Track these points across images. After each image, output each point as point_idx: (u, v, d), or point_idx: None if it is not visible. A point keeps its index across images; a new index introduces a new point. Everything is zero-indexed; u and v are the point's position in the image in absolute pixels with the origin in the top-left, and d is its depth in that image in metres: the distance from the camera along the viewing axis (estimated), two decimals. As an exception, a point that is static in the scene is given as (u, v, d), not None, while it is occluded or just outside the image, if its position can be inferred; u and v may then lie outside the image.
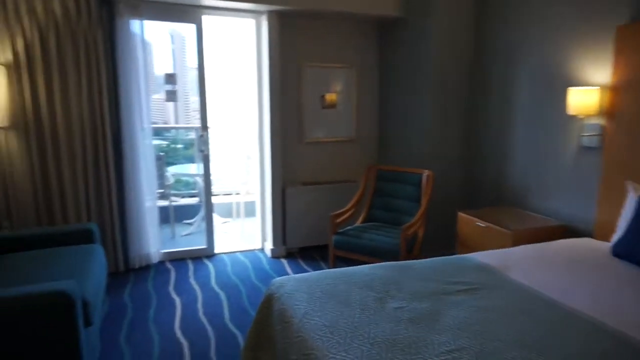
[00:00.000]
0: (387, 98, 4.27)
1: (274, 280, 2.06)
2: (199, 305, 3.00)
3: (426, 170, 3.47)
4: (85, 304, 2.10)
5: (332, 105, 4.20)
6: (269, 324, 1.95)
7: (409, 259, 2.88)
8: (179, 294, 3.17)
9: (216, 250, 4.02)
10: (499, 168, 3.46)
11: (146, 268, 3.62)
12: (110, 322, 2.76)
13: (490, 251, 2.45)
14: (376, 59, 4.32)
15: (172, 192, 4.77)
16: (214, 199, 4.62)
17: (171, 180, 4.79)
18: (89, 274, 2.34)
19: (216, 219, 4.90)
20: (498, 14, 3.42)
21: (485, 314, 1.70)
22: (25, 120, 3.14)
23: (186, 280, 3.41)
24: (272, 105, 3.81)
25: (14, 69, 3.07)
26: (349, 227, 3.46)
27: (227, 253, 4.03)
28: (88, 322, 2.12)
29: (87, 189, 3.36)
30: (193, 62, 3.78)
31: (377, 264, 2.25)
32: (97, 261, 2.59)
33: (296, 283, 1.97)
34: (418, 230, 3.29)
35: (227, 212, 5.24)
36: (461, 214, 3.15)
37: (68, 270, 2.31)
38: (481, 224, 2.93)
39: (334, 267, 3.33)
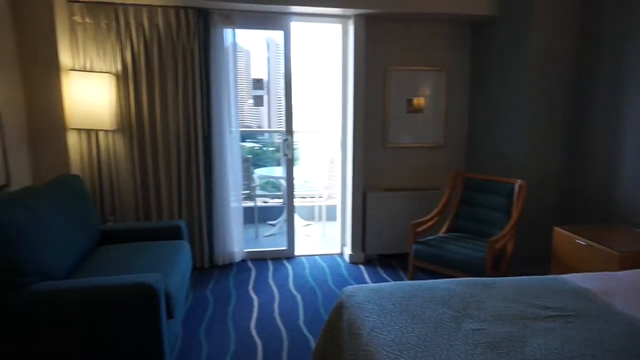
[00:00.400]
0: (479, 103, 4.02)
1: (344, 288, 2.02)
2: (275, 306, 3.05)
3: (519, 180, 3.20)
4: (168, 297, 2.22)
5: (419, 110, 4.05)
6: (338, 333, 1.90)
7: (494, 276, 2.67)
8: (257, 293, 3.25)
9: (296, 253, 4.07)
10: (605, 180, 3.08)
11: (229, 266, 3.77)
12: (192, 315, 2.91)
13: (590, 274, 2.18)
14: (468, 62, 4.09)
15: (258, 193, 4.93)
16: (297, 202, 4.69)
17: (257, 182, 4.96)
18: (174, 269, 2.48)
19: (298, 221, 4.99)
20: (608, 13, 3.05)
21: (579, 347, 1.50)
22: (129, 124, 3.44)
23: (265, 280, 3.49)
24: (356, 109, 3.77)
25: (122, 78, 3.38)
26: (430, 237, 3.30)
27: (307, 256, 4.07)
28: (170, 315, 2.25)
29: (179, 188, 3.59)
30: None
31: (457, 279, 2.10)
32: (183, 257, 2.74)
33: (368, 293, 1.90)
34: (507, 245, 3.04)
35: (310, 215, 5.31)
36: (558, 230, 2.85)
37: (156, 264, 2.47)
38: (582, 241, 2.62)
39: (413, 278, 3.20)
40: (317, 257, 4.05)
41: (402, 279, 3.50)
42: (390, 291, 1.92)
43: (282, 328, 2.76)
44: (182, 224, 3.07)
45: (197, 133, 3.55)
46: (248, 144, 5.88)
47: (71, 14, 3.21)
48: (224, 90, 3.58)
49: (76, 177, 2.89)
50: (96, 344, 2.03)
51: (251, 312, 2.96)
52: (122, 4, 3.26)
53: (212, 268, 3.72)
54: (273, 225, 4.99)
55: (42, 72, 3.02)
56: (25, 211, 2.15)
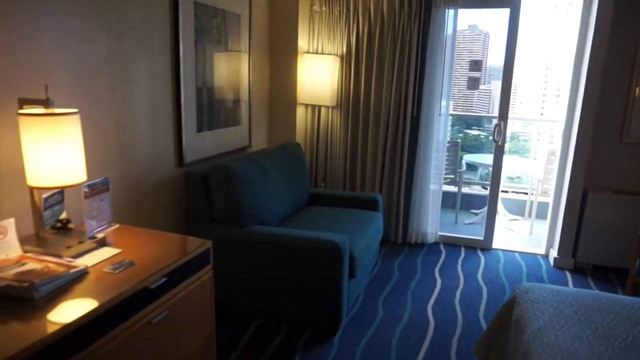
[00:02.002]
0: None
1: (521, 284, 1.88)
2: (458, 292, 3.01)
3: None
4: (352, 259, 2.47)
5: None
6: (506, 327, 1.80)
7: None
8: (442, 276, 3.25)
9: (494, 245, 3.85)
10: None
11: (420, 245, 3.85)
12: (376, 282, 3.12)
13: None
14: None
15: (463, 179, 4.80)
16: (507, 195, 4.38)
17: (464, 168, 4.82)
18: (362, 235, 2.72)
19: (505, 214, 4.66)
20: None
21: None
22: (347, 101, 3.82)
23: (453, 266, 3.45)
24: (588, 95, 3.27)
25: (345, 59, 3.75)
26: (665, 256, 2.68)
27: (504, 250, 3.81)
28: (352, 274, 2.50)
29: (383, 163, 3.81)
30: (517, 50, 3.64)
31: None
32: (374, 227, 2.96)
33: (545, 293, 1.73)
34: None
35: (519, 210, 4.89)
36: None
37: (348, 228, 2.74)
38: None
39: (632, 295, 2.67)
40: (516, 253, 3.75)
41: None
42: (575, 297, 1.70)
43: (459, 314, 2.72)
44: (379, 197, 3.28)
45: (407, 113, 3.68)
46: (462, 129, 5.72)
47: (311, 4, 3.71)
48: (437, 72, 3.59)
49: (297, 144, 3.40)
50: (292, 279, 2.44)
51: (432, 292, 3.00)
52: (354, -8, 3.60)
53: (404, 244, 3.86)
54: (476, 214, 4.80)
55: (284, 55, 3.63)
56: (255, 167, 2.69)
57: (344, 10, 3.66)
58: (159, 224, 2.50)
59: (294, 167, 3.16)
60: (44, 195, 1.60)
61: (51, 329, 1.14)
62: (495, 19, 5.26)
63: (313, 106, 3.83)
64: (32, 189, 1.58)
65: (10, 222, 1.51)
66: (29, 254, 1.49)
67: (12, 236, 1.50)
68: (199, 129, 2.76)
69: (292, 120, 3.73)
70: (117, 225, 1.87)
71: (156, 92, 2.40)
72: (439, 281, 3.17)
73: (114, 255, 1.58)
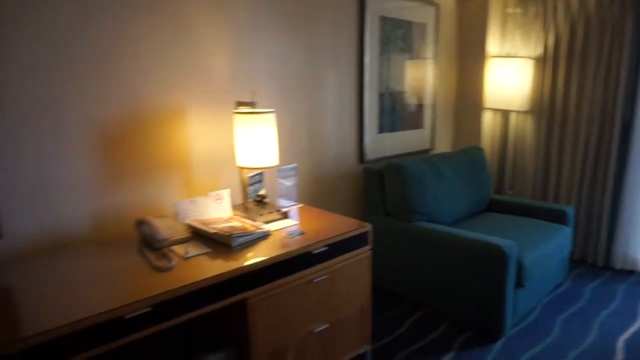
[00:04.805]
0: None
1: None
2: (665, 330, 2.52)
3: None
4: (520, 267, 2.37)
5: None
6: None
7: None
8: (648, 309, 2.76)
9: None
10: None
11: (628, 273, 3.29)
12: (558, 301, 2.85)
13: None
14: None
15: None
16: None
17: None
18: (538, 246, 2.56)
19: None
20: None
21: None
22: (540, 106, 3.56)
23: (668, 300, 2.87)
24: None
25: (540, 62, 3.52)
26: None
27: None
28: (519, 283, 2.39)
29: (582, 173, 3.42)
30: None
31: None
32: (556, 240, 2.73)
33: None
34: None
35: None
36: None
37: (522, 236, 2.62)
38: None
39: None
40: None
41: None
42: None
43: (659, 354, 2.29)
44: (569, 210, 2.99)
45: (614, 119, 3.23)
46: None
47: (504, 6, 3.61)
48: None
49: (479, 148, 3.36)
50: (455, 278, 2.49)
51: (628, 325, 2.58)
52: (553, -11, 3.37)
53: (605, 268, 3.37)
54: None
55: (471, 59, 3.63)
56: (429, 168, 2.82)
57: (541, 9, 3.44)
58: (336, 211, 2.87)
59: (473, 171, 3.14)
60: (249, 175, 2.10)
61: (240, 265, 1.55)
62: None
63: (502, 111, 3.71)
64: (240, 169, 2.09)
65: (226, 192, 2.04)
66: (235, 216, 1.99)
67: (226, 202, 2.03)
68: (380, 131, 3.04)
69: (478, 125, 3.69)
70: (300, 205, 2.28)
71: (342, 97, 2.78)
72: (640, 314, 2.70)
73: (291, 226, 1.97)
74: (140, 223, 1.82)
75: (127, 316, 1.31)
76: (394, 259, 2.76)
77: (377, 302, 2.81)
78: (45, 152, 1.69)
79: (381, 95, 2.99)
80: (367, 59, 2.83)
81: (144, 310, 1.34)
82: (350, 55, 2.78)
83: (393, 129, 3.15)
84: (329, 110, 2.71)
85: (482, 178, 3.20)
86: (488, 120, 3.75)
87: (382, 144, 3.08)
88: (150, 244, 1.75)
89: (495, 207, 3.27)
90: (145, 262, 1.60)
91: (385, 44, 2.95)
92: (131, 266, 1.57)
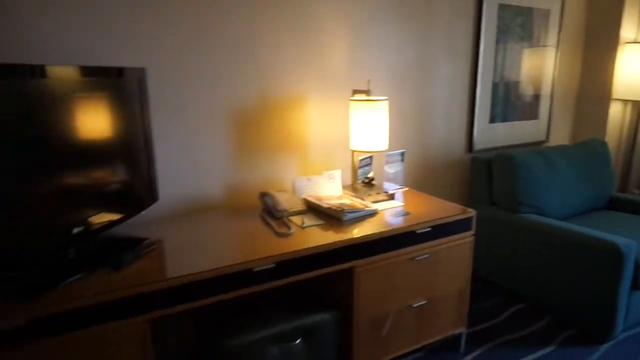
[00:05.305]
0: None
1: None
2: None
3: None
4: (638, 267, 2.24)
5: None
6: None
7: None
8: None
9: None
10: None
11: None
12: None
13: None
14: None
15: None
16: None
17: None
18: (663, 248, 2.38)
19: None
20: None
21: None
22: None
23: None
24: None
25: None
26: None
27: None
28: (636, 286, 2.26)
29: None
30: None
31: None
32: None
33: None
34: None
35: None
36: None
37: (645, 237, 2.45)
38: None
39: None
40: None
41: None
42: None
43: None
44: None
45: None
46: None
47: (646, -14, 3.28)
48: None
49: (602, 142, 3.14)
50: (563, 273, 2.43)
51: None
52: None
53: None
54: None
55: (600, 46, 3.37)
56: (542, 160, 2.74)
57: (696, -12, 3.07)
58: (441, 197, 2.93)
59: (592, 166, 2.97)
60: (360, 157, 2.27)
61: (350, 237, 1.75)
62: None
63: (634, 102, 3.40)
64: (353, 152, 2.27)
65: (338, 172, 2.24)
66: (345, 195, 2.19)
67: (337, 181, 2.23)
68: (492, 120, 3.01)
69: (603, 117, 3.43)
70: (406, 188, 2.40)
71: (454, 86, 2.81)
72: None
73: (397, 207, 2.11)
74: (264, 195, 2.10)
75: (256, 269, 1.57)
76: (497, 248, 2.75)
77: (475, 290, 2.84)
78: (192, 137, 2.03)
79: (495, 85, 2.95)
80: (482, 47, 2.81)
81: (269, 266, 1.59)
82: (465, 44, 2.79)
83: (505, 119, 3.09)
84: (439, 98, 2.77)
85: (602, 174, 3.01)
86: (616, 112, 3.46)
87: (492, 134, 3.05)
88: (271, 213, 2.02)
89: (616, 205, 3.06)
90: (268, 228, 1.86)
91: (503, 32, 2.89)
92: (257, 230, 1.85)
